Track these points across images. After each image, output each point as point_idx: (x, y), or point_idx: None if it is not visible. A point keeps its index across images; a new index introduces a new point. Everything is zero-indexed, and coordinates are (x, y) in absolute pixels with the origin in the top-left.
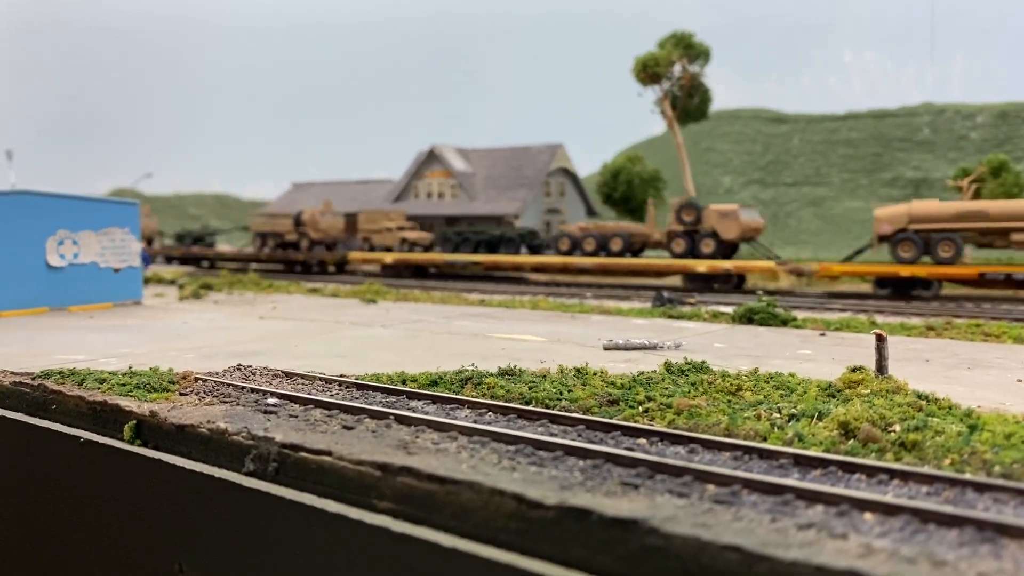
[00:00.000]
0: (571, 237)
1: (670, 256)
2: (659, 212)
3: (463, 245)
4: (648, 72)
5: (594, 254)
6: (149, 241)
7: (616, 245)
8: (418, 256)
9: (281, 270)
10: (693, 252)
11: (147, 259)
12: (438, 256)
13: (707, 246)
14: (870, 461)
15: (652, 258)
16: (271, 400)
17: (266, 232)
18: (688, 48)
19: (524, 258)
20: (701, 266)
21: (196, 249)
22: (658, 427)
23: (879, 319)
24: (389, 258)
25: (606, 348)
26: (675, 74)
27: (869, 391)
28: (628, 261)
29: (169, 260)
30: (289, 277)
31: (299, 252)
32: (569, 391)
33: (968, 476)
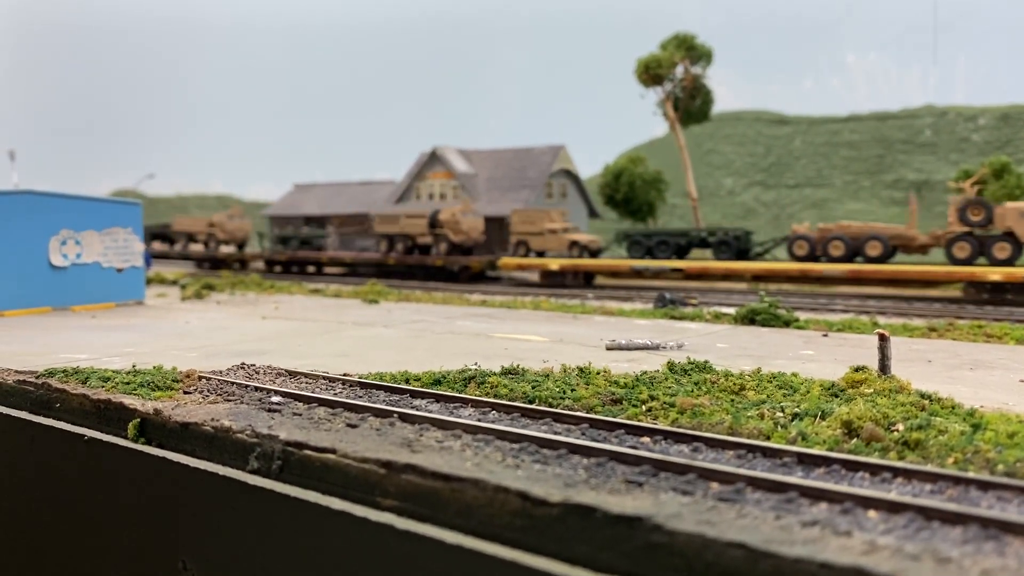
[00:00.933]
0: (808, 239)
1: (949, 262)
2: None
3: (658, 248)
4: (650, 73)
5: (844, 260)
6: (240, 245)
7: (875, 250)
8: (593, 262)
9: (406, 276)
10: (978, 257)
11: (148, 259)
12: (621, 262)
13: (1002, 251)
14: (874, 459)
15: (928, 264)
16: (275, 398)
17: (393, 234)
18: (690, 49)
19: (745, 264)
20: (995, 274)
21: (304, 253)
22: (661, 426)
23: (881, 320)
24: (555, 264)
25: (609, 348)
26: (677, 75)
27: (872, 390)
28: (892, 268)
29: (271, 266)
30: (293, 278)
31: (435, 256)
32: (572, 390)
33: (972, 474)
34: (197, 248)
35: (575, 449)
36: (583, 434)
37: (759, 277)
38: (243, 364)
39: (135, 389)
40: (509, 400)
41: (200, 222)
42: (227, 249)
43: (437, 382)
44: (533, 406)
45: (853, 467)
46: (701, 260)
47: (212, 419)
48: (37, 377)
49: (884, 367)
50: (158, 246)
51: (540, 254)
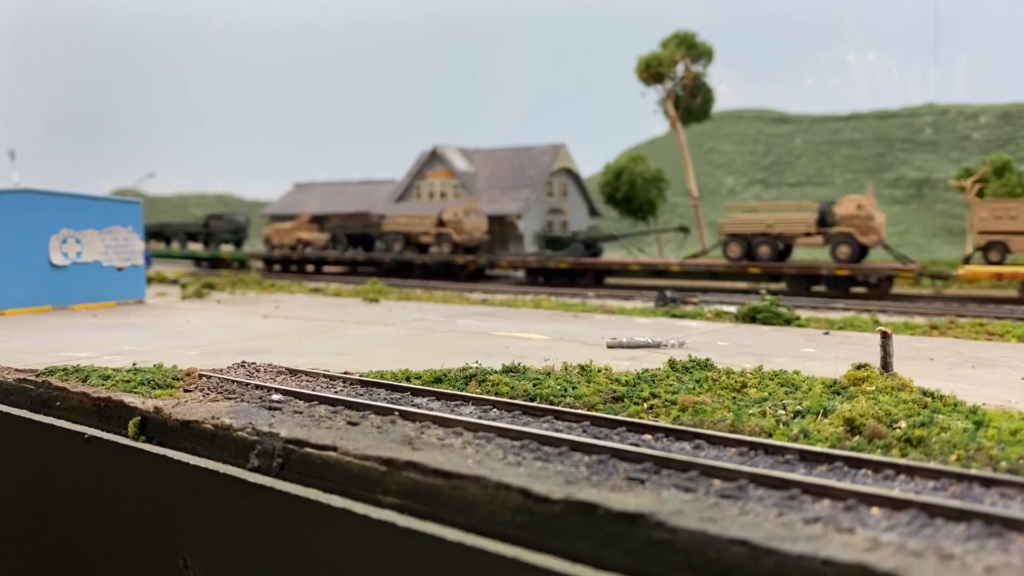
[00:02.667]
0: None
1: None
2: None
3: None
4: (651, 72)
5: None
6: (473, 249)
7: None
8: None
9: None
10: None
11: (149, 258)
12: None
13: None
14: (876, 457)
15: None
16: (275, 396)
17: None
18: (691, 48)
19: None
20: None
21: (589, 261)
22: (663, 423)
23: (882, 318)
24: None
25: (610, 346)
26: (678, 74)
27: (874, 388)
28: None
29: (535, 275)
30: (294, 277)
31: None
32: (574, 388)
33: (975, 471)
34: (399, 254)
35: (576, 446)
36: (584, 431)
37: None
38: (244, 362)
39: (135, 387)
40: (510, 398)
41: (424, 220)
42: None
43: (438, 380)
44: (534, 404)
45: (855, 464)
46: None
47: (213, 417)
48: (37, 375)
49: (886, 365)
50: (348, 252)
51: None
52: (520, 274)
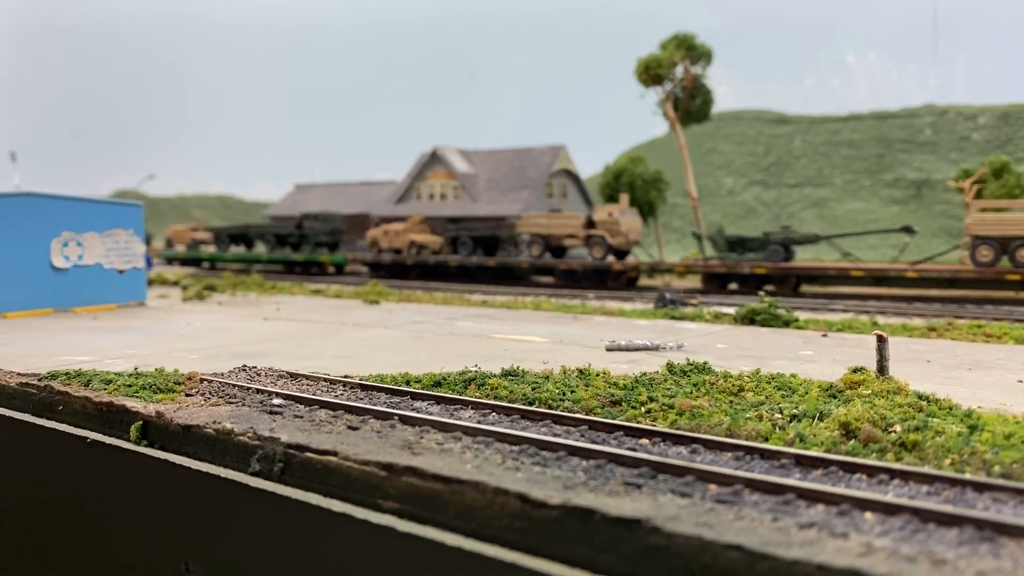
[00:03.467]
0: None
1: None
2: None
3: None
4: (650, 73)
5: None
6: (622, 253)
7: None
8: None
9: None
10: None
11: (149, 260)
12: None
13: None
14: (871, 461)
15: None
16: (276, 401)
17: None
18: (690, 49)
19: None
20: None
21: (769, 266)
22: (660, 427)
23: (881, 320)
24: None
25: (608, 349)
26: (677, 75)
27: (870, 392)
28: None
29: (718, 282)
30: (291, 278)
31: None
32: (572, 392)
33: (968, 476)
34: (537, 258)
35: (574, 451)
36: (582, 436)
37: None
38: (244, 366)
39: (137, 391)
40: (509, 402)
41: (569, 221)
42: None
43: (438, 384)
44: (533, 408)
45: (850, 469)
46: None
47: (214, 421)
48: (40, 380)
49: (882, 368)
50: (473, 256)
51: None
52: (676, 281)
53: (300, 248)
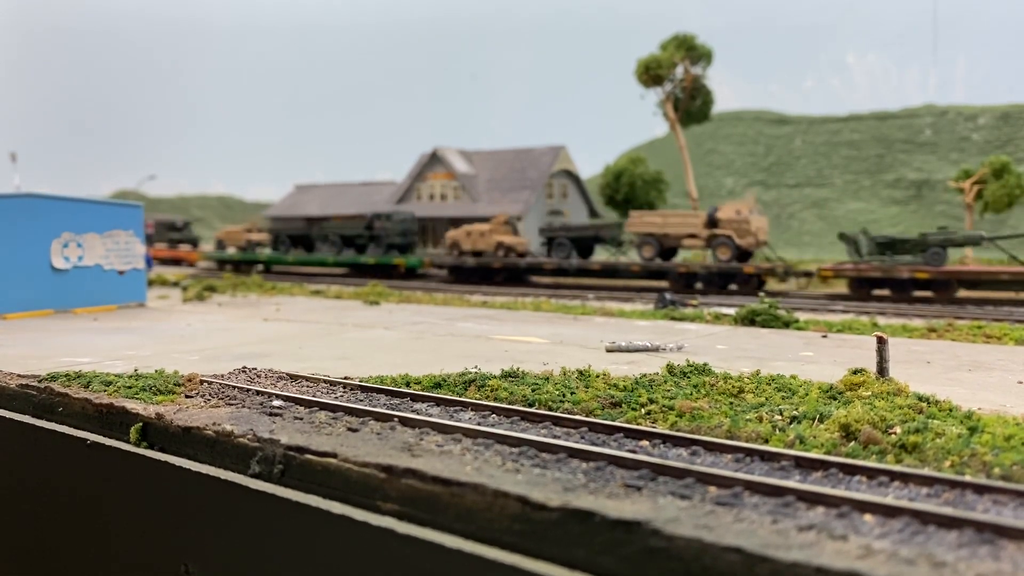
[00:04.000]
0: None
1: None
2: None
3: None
4: (650, 74)
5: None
6: (745, 254)
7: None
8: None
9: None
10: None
11: (150, 261)
12: None
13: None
14: (871, 463)
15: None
16: (276, 402)
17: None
18: (690, 50)
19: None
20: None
21: (970, 270)
22: (660, 429)
23: (881, 321)
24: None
25: (609, 350)
26: (677, 76)
27: (870, 393)
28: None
29: (869, 287)
30: (291, 279)
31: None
32: (572, 393)
33: (968, 478)
34: (649, 260)
35: (574, 453)
36: (582, 438)
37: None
38: (244, 367)
39: (137, 393)
40: (509, 403)
41: (688, 220)
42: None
43: (437, 385)
44: (533, 409)
45: (850, 470)
46: None
47: (214, 423)
48: (40, 381)
49: (882, 369)
50: (572, 258)
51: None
52: (815, 287)
53: (368, 249)
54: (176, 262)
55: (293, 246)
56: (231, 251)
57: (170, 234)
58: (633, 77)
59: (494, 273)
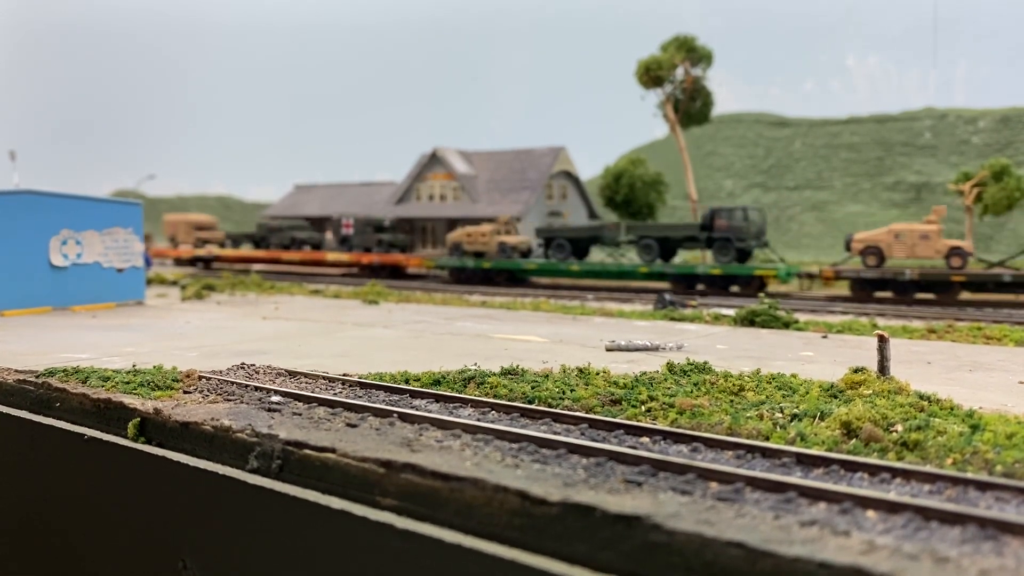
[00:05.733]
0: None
1: None
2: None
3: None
4: (650, 75)
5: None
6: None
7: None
8: None
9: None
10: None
11: (148, 260)
12: None
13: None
14: (872, 460)
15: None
16: (275, 398)
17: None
18: (690, 51)
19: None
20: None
21: None
22: (661, 426)
23: (881, 322)
24: None
25: (608, 349)
26: (677, 77)
27: (871, 391)
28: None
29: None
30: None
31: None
32: (572, 390)
33: (970, 475)
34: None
35: (574, 449)
36: (582, 434)
37: None
38: (243, 364)
39: (135, 388)
40: (508, 400)
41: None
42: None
43: (437, 382)
44: (532, 406)
45: (852, 467)
46: None
47: (212, 418)
48: (37, 376)
49: (883, 368)
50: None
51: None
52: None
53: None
54: (394, 271)
55: (573, 252)
56: (463, 256)
57: (377, 235)
58: (633, 78)
59: (494, 274)
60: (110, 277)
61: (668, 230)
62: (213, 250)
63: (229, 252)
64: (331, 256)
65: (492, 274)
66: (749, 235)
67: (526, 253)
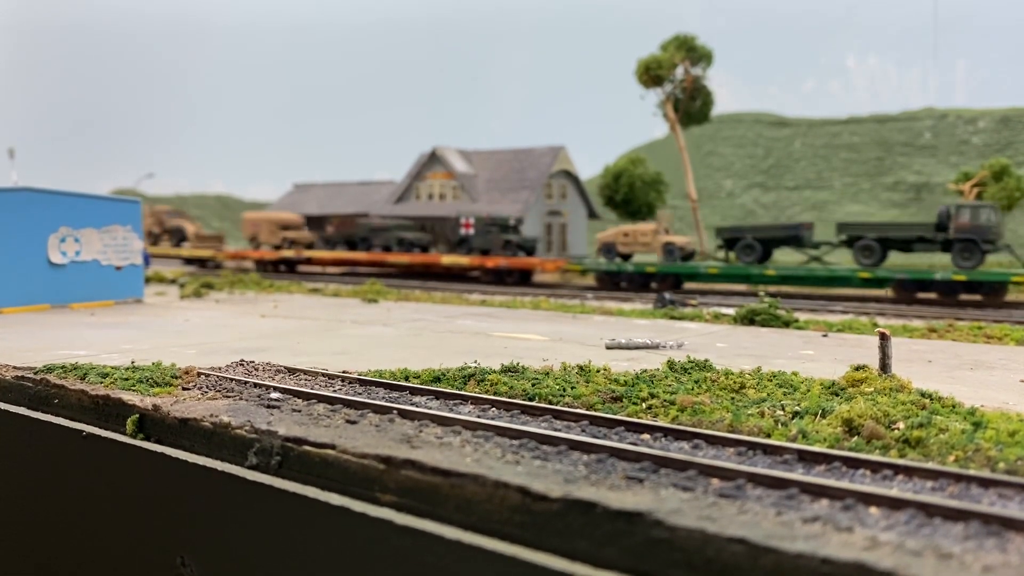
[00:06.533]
0: None
1: None
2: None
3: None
4: (650, 74)
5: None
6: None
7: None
8: None
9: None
10: None
11: (147, 258)
12: None
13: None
14: (874, 457)
15: None
16: (274, 395)
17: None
18: (690, 51)
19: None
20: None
21: None
22: (662, 423)
23: (881, 321)
24: None
25: (608, 347)
26: (677, 77)
27: (872, 389)
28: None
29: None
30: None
31: None
32: (572, 388)
33: (973, 472)
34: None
35: (575, 445)
36: (583, 431)
37: None
38: (242, 361)
39: (134, 385)
40: (509, 397)
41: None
42: None
43: (436, 379)
44: (533, 403)
45: (854, 464)
46: None
47: (211, 415)
48: (35, 373)
49: (885, 366)
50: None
51: None
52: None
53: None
54: (522, 275)
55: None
56: (614, 260)
57: (503, 235)
58: (633, 77)
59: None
60: (109, 275)
61: (892, 229)
62: (303, 252)
63: (324, 254)
64: (446, 260)
65: (657, 279)
66: (998, 236)
67: (689, 256)
